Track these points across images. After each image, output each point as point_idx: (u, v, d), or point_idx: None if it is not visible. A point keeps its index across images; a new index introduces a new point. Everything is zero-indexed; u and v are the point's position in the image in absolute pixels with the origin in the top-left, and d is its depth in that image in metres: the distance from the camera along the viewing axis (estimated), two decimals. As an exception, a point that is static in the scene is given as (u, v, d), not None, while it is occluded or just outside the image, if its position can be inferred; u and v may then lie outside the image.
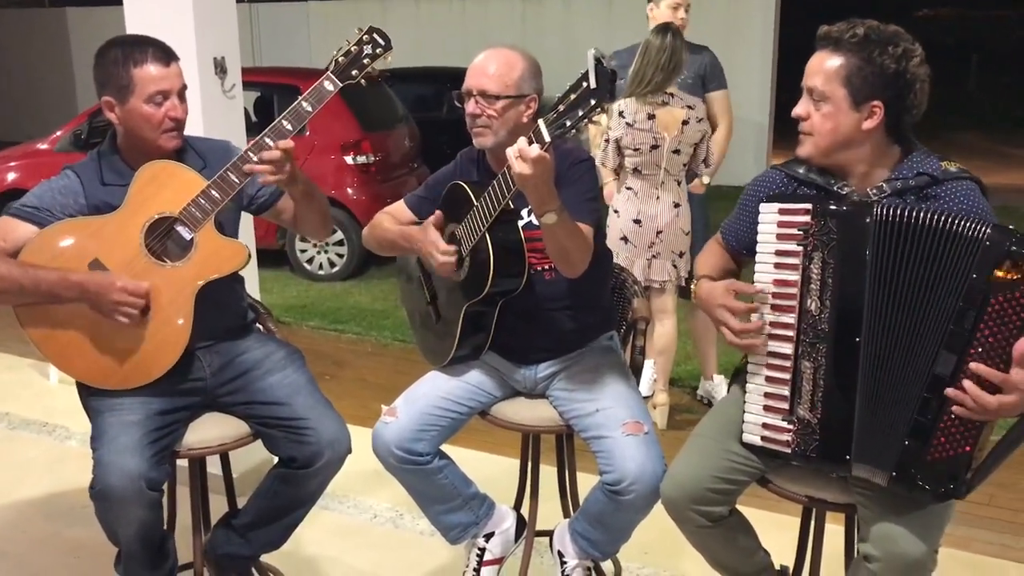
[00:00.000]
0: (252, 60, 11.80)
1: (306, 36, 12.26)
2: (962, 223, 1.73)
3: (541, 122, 1.84)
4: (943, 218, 1.75)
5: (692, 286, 2.16)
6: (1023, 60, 22.53)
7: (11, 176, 6.86)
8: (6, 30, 13.92)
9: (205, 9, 2.97)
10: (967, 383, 1.70)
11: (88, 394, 2.22)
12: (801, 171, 2.01)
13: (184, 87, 2.22)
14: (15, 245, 2.15)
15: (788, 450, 1.94)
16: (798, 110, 1.94)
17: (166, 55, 2.19)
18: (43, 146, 6.98)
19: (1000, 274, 1.68)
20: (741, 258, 2.20)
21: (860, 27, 1.87)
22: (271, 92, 6.89)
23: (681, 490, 2.02)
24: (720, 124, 4.16)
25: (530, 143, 1.84)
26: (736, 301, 1.97)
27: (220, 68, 3.06)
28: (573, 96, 1.79)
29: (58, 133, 6.98)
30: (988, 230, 1.70)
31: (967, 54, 21.75)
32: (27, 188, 2.26)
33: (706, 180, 3.98)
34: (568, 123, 1.80)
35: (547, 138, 1.82)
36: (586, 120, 1.80)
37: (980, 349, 1.70)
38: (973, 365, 1.69)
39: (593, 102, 1.76)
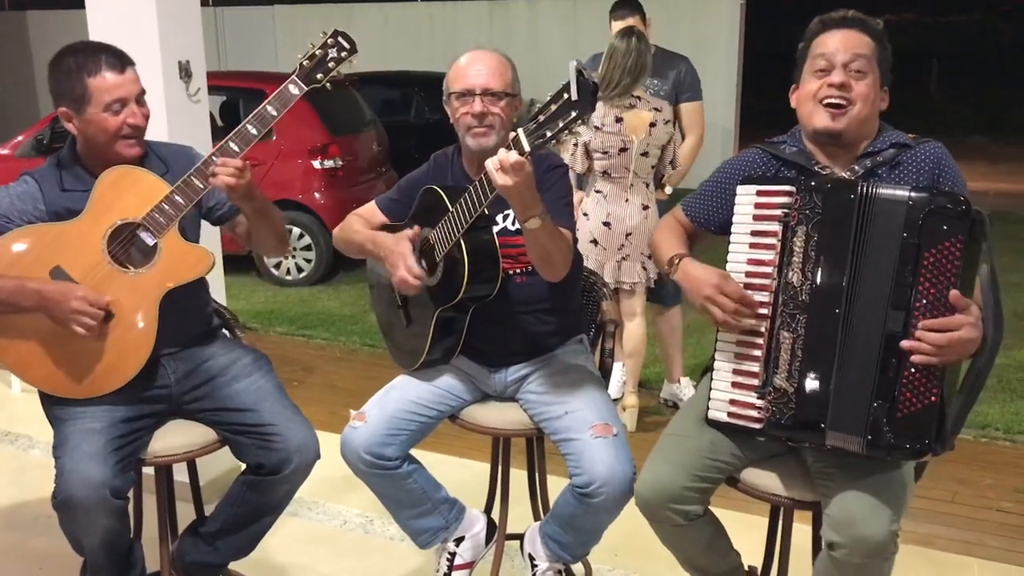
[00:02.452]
0: (218, 64, 11.70)
1: (272, 40, 12.19)
2: (888, 189, 1.83)
3: (521, 131, 1.82)
4: (878, 189, 1.84)
5: (671, 264, 2.09)
6: (982, 65, 22.95)
7: (-29, 182, 6.75)
8: (-35, 34, 13.70)
9: (169, 13, 2.94)
10: (918, 332, 1.77)
11: (51, 402, 2.19)
12: (785, 149, 2.07)
13: (142, 92, 2.19)
14: None
15: (758, 426, 1.96)
16: (837, 78, 1.96)
17: (120, 61, 2.15)
18: (4, 151, 6.87)
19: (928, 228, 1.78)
20: (704, 233, 2.22)
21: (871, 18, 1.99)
22: (237, 96, 6.84)
23: (658, 490, 2.02)
24: (689, 135, 4.17)
25: (508, 151, 1.83)
26: (732, 285, 1.94)
27: (185, 72, 3.03)
28: (554, 107, 1.77)
29: (19, 138, 6.87)
30: (909, 191, 1.81)
31: (928, 59, 22.10)
32: (-12, 194, 2.21)
33: (668, 190, 4.01)
34: (548, 133, 1.78)
35: (527, 148, 1.81)
36: (567, 131, 1.78)
37: (924, 302, 1.78)
38: (921, 323, 1.77)
39: (574, 114, 1.75)
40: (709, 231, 2.20)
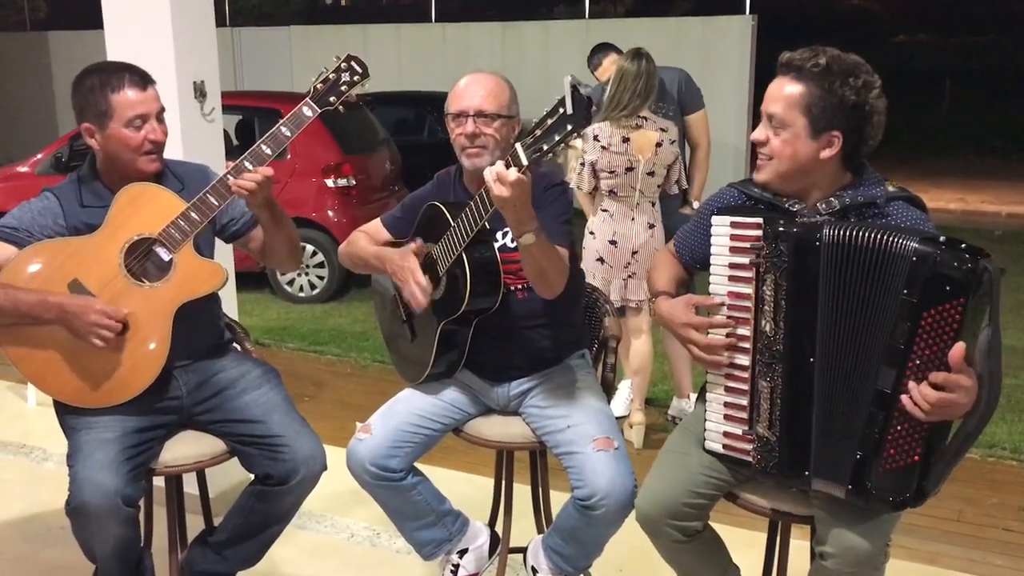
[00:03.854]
0: (234, 84, 11.83)
1: (288, 60, 12.30)
2: (892, 240, 1.76)
3: (518, 146, 1.87)
4: (877, 236, 1.78)
5: (650, 302, 2.20)
6: (995, 85, 22.92)
7: (-9, 199, 6.85)
8: (-13, 54, 13.91)
9: (185, 34, 3.01)
10: (911, 386, 1.73)
11: (65, 412, 2.24)
12: (756, 191, 2.06)
13: (162, 109, 2.27)
14: None
15: (750, 459, 1.99)
16: (757, 135, 1.97)
17: (142, 79, 2.23)
18: (24, 169, 6.98)
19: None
20: (693, 270, 2.25)
21: (822, 56, 1.88)
22: (252, 115, 6.93)
23: (657, 505, 2.05)
24: (700, 144, 4.23)
25: (508, 166, 1.89)
26: (698, 317, 2.01)
27: (200, 92, 3.10)
28: (550, 121, 1.83)
29: (39, 156, 6.98)
30: (914, 245, 1.73)
31: (941, 79, 22.09)
32: (7, 211, 2.29)
33: (696, 205, 4.06)
34: (545, 147, 1.84)
35: (524, 161, 1.86)
36: (562, 145, 1.84)
37: (918, 362, 1.74)
38: (915, 374, 1.72)
39: (569, 127, 1.81)
40: (695, 267, 2.22)
